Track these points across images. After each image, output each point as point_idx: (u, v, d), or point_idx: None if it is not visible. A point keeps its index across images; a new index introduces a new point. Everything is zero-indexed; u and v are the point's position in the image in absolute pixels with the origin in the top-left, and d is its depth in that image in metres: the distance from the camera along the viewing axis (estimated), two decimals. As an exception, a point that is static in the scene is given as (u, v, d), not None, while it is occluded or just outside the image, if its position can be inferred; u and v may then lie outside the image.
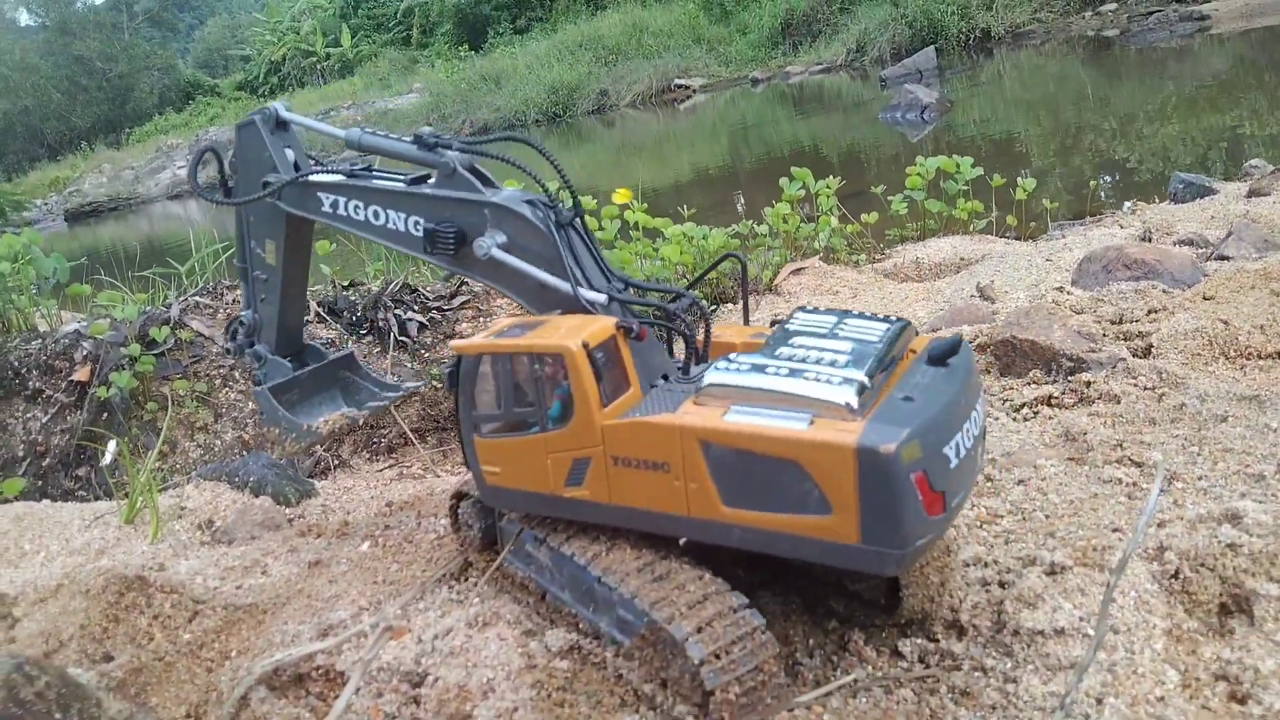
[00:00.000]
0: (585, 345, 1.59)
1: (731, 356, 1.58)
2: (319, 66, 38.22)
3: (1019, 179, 4.58)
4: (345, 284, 4.55)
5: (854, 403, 1.39)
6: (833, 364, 1.48)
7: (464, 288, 4.45)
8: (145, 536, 2.60)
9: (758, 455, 1.43)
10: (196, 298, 4.36)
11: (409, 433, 3.68)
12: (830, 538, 1.41)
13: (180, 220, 21.10)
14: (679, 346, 1.83)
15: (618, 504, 1.62)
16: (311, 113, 32.10)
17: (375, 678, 1.74)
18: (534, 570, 1.86)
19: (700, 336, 1.80)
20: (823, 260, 4.81)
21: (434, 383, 4.13)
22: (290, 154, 2.15)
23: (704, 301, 1.73)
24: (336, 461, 3.82)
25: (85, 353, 4.14)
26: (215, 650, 1.89)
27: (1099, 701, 1.40)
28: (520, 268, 1.84)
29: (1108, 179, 6.71)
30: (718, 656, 1.43)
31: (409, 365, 4.13)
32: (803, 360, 1.51)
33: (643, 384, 1.69)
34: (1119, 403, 2.31)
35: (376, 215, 2.00)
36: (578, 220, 1.88)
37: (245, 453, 3.60)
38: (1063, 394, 2.44)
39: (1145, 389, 2.37)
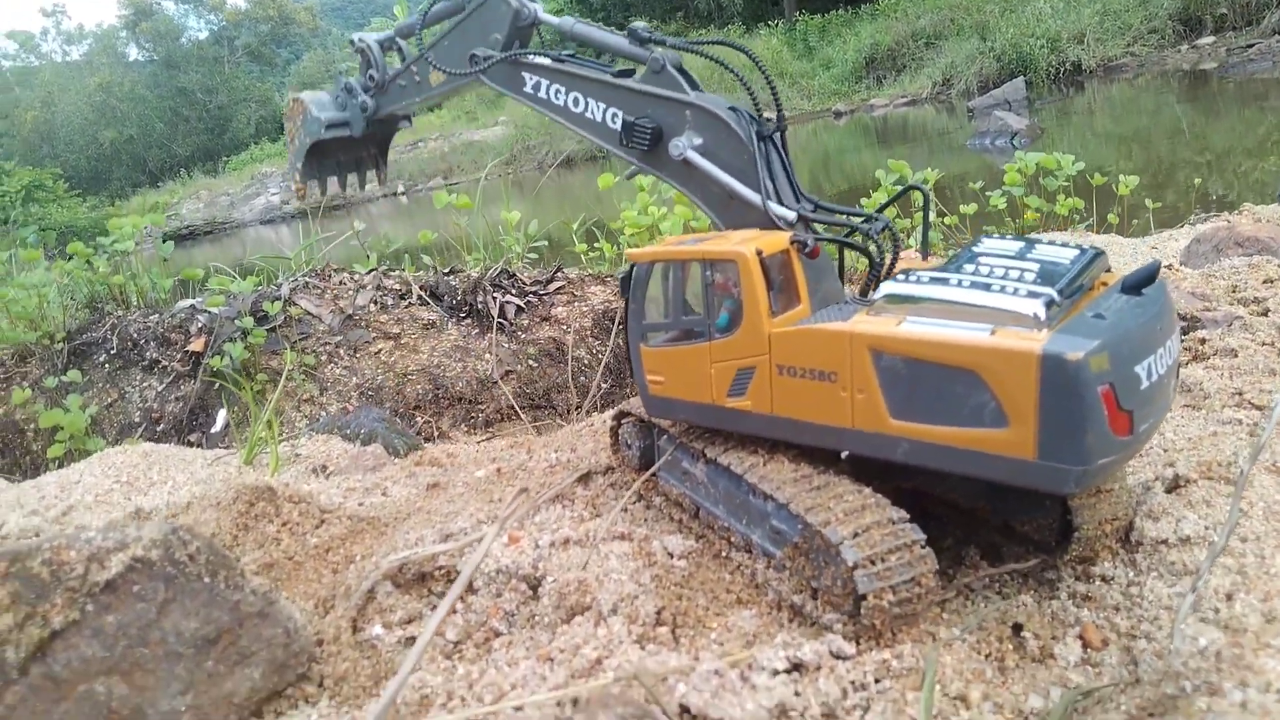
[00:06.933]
0: (759, 252, 1.59)
1: (909, 271, 1.53)
2: (408, 100, 39.47)
3: (1121, 176, 4.50)
4: (447, 269, 4.68)
5: (1042, 314, 1.31)
6: (1019, 280, 1.40)
7: (559, 274, 4.55)
8: (265, 473, 2.72)
9: (932, 364, 1.37)
10: (305, 279, 4.53)
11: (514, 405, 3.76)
12: (1004, 452, 1.32)
13: (272, 243, 21.85)
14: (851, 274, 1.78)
15: (780, 415, 1.59)
16: (400, 143, 33.02)
17: (494, 579, 1.80)
18: (689, 486, 1.86)
19: (888, 260, 1.77)
20: (919, 253, 4.80)
21: (530, 363, 4.23)
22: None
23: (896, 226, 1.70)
24: (437, 432, 3.94)
25: (201, 325, 4.33)
26: (340, 554, 1.96)
27: (1229, 598, 1.38)
28: (712, 173, 1.82)
29: (1207, 182, 6.56)
30: (872, 562, 1.39)
31: (506, 346, 4.23)
32: (988, 276, 1.44)
33: (814, 304, 1.65)
34: (1236, 356, 2.27)
35: (576, 102, 2.03)
36: (778, 135, 1.85)
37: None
38: (1175, 352, 2.39)
39: (1264, 344, 2.32)
